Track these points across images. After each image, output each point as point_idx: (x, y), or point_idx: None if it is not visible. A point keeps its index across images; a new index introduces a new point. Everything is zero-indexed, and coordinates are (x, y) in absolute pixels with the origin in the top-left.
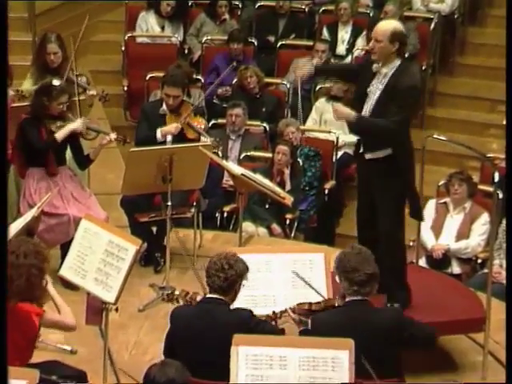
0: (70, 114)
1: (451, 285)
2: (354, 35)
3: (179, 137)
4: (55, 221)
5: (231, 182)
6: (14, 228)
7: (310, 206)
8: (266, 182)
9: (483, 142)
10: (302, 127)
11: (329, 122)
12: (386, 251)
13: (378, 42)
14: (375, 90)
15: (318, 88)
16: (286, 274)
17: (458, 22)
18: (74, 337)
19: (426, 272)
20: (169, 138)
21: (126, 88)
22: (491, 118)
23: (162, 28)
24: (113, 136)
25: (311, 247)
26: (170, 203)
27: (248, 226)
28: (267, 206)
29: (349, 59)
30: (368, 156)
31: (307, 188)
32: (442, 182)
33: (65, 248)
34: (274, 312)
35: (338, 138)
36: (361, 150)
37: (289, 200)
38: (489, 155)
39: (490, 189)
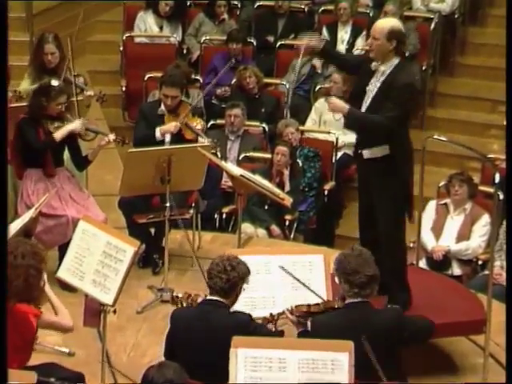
0: (69, 115)
1: (452, 286)
2: (354, 35)
3: (177, 137)
4: (53, 222)
5: (230, 183)
6: (12, 229)
7: (309, 207)
8: (265, 182)
9: (484, 143)
10: (301, 128)
11: (328, 123)
12: (386, 251)
13: (375, 40)
14: (373, 88)
15: (317, 88)
16: (285, 276)
17: (459, 21)
18: (71, 339)
19: (426, 273)
20: (167, 138)
21: (124, 88)
22: (492, 119)
23: (161, 28)
24: (112, 137)
25: (311, 248)
26: (168, 204)
27: (247, 228)
28: (266, 207)
29: None
30: (366, 155)
31: (307, 189)
32: (442, 183)
33: (63, 249)
34: (271, 314)
35: (337, 139)
36: (359, 150)
37: (288, 201)
38: (489, 156)
39: (491, 190)
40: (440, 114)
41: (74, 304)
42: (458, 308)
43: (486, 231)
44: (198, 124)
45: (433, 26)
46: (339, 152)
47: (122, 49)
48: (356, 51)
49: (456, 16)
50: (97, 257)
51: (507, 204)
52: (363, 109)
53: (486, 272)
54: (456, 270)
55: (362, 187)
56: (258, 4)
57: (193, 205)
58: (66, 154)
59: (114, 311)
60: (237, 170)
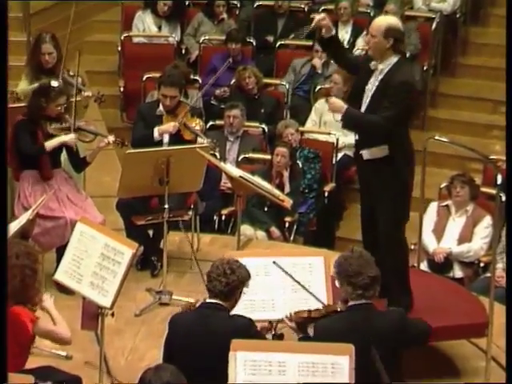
0: (67, 116)
1: (453, 289)
2: (354, 35)
3: (176, 138)
4: (51, 224)
5: (229, 185)
6: (9, 231)
7: (309, 208)
8: (265, 184)
9: (486, 144)
10: (301, 129)
11: (328, 124)
12: (387, 252)
13: (372, 37)
14: (372, 87)
15: (317, 89)
16: (285, 278)
17: (460, 21)
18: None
19: (427, 276)
20: (165, 139)
21: (122, 89)
22: (494, 119)
23: (159, 28)
24: (111, 139)
25: (311, 251)
26: (166, 206)
27: (246, 229)
28: (266, 209)
29: None
30: (366, 156)
31: (307, 190)
32: (443, 185)
33: (60, 251)
34: (270, 322)
35: (337, 140)
36: (359, 151)
37: (288, 203)
38: (491, 157)
39: (493, 191)
40: (441, 115)
41: (72, 307)
42: (459, 311)
43: (488, 233)
44: (196, 125)
45: (434, 25)
46: (339, 153)
47: (119, 49)
48: (357, 51)
49: (457, 16)
50: (95, 259)
51: (507, 205)
52: (363, 108)
53: (488, 274)
54: (457, 272)
55: (363, 189)
56: (257, 3)
57: (191, 206)
58: (64, 155)
59: (112, 314)
60: (236, 172)
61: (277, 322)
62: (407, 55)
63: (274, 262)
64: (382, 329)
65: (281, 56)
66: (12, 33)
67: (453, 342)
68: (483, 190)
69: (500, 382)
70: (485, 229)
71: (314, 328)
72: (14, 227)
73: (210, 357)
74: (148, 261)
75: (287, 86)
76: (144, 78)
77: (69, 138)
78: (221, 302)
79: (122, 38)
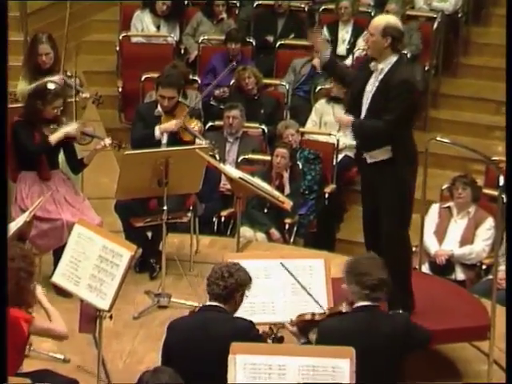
0: (64, 118)
1: (455, 291)
2: (355, 35)
3: (174, 139)
4: (48, 226)
5: (229, 186)
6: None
7: (309, 210)
8: (265, 185)
9: (488, 145)
10: (301, 129)
11: (329, 124)
12: (389, 253)
13: (371, 36)
14: (372, 88)
15: (317, 89)
16: (285, 281)
17: (462, 21)
18: (66, 345)
19: (429, 278)
20: (164, 140)
21: (120, 89)
22: (496, 120)
23: (158, 27)
24: (108, 141)
25: (311, 253)
26: (165, 208)
27: (246, 231)
28: (266, 211)
29: (349, 59)
30: (370, 160)
31: (307, 192)
32: (445, 186)
33: (58, 254)
34: (270, 327)
35: (338, 141)
36: (363, 156)
37: (288, 204)
38: (494, 158)
39: (495, 193)
40: (443, 116)
41: (70, 310)
42: (461, 313)
43: (490, 235)
44: (195, 126)
45: (435, 25)
46: (340, 154)
47: (118, 49)
48: (357, 51)
49: (459, 15)
50: (92, 261)
51: (507, 206)
52: (363, 109)
53: (490, 277)
54: (459, 274)
55: (365, 190)
56: (257, 3)
57: (191, 208)
58: (61, 157)
59: (110, 317)
60: (235, 173)
61: (278, 328)
62: (408, 55)
63: (282, 264)
64: (386, 332)
65: (281, 56)
66: (9, 32)
67: (455, 345)
68: (485, 191)
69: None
70: (487, 231)
71: (318, 328)
72: (11, 229)
73: (209, 360)
74: (147, 263)
75: (287, 87)
76: (142, 79)
77: (71, 128)
78: (220, 305)
79: (121, 37)
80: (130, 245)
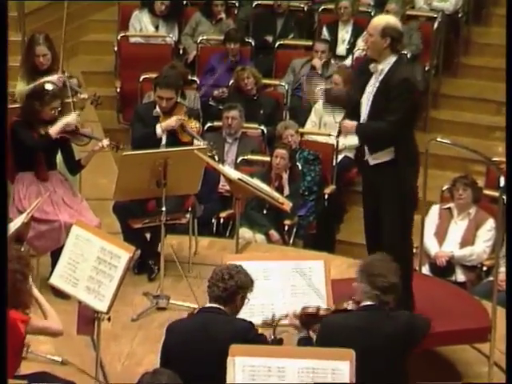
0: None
1: (455, 293)
2: (355, 35)
3: (173, 140)
4: (46, 227)
5: (228, 187)
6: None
7: (309, 211)
8: (264, 186)
9: (489, 146)
10: (300, 130)
11: (328, 125)
12: (390, 254)
13: (370, 36)
14: (372, 89)
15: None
16: (284, 282)
17: (463, 21)
18: (64, 347)
19: (429, 280)
20: (163, 141)
21: (118, 90)
22: (497, 121)
23: (156, 27)
24: (105, 142)
25: (311, 254)
26: (164, 209)
27: (245, 233)
28: (265, 212)
29: (349, 60)
30: (373, 162)
31: (306, 193)
32: (445, 187)
33: (55, 255)
34: (272, 317)
35: (338, 142)
36: (365, 158)
37: (287, 205)
38: (494, 159)
39: (496, 194)
40: (443, 116)
41: (68, 311)
42: (461, 315)
43: (491, 236)
44: (193, 127)
45: (436, 25)
46: (340, 155)
47: (116, 49)
48: (357, 51)
49: (460, 15)
50: (91, 263)
51: (507, 207)
52: (365, 111)
53: (491, 278)
54: (460, 276)
55: (366, 191)
56: (256, 3)
57: (189, 209)
58: (59, 158)
59: (109, 319)
60: (234, 174)
61: (280, 318)
62: (409, 55)
63: (297, 271)
64: (388, 332)
65: (280, 56)
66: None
67: (455, 347)
68: (486, 192)
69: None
70: (488, 232)
71: (321, 322)
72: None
73: (208, 362)
74: (145, 264)
75: (286, 87)
76: (141, 79)
77: (70, 118)
78: (220, 307)
79: (119, 37)
80: (129, 246)
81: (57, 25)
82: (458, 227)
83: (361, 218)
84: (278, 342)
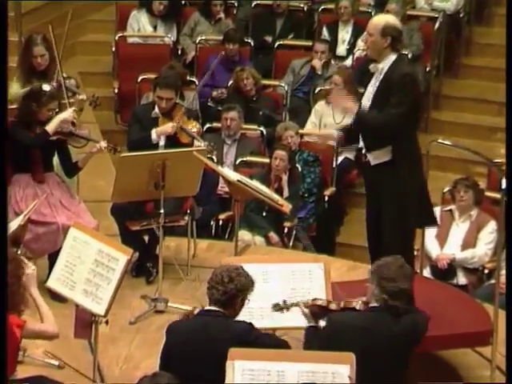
0: None
1: (457, 296)
2: (355, 35)
3: (172, 142)
4: (43, 229)
5: (227, 189)
6: None
7: (309, 213)
8: (263, 188)
9: (490, 147)
10: (300, 131)
11: (329, 126)
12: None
13: (370, 36)
14: (373, 88)
15: (317, 90)
16: (283, 285)
17: (464, 21)
18: (61, 351)
19: (430, 283)
20: (161, 142)
21: (116, 90)
22: (498, 122)
23: (155, 28)
24: (103, 144)
25: (310, 257)
26: (162, 211)
27: (244, 235)
28: (264, 214)
29: (349, 60)
30: (374, 162)
31: (306, 195)
32: (447, 189)
33: (53, 258)
34: (284, 302)
35: (338, 143)
36: (366, 159)
37: (287, 207)
38: (496, 160)
39: (498, 196)
40: (445, 117)
41: (65, 315)
42: (463, 319)
43: (493, 239)
44: (193, 127)
45: (437, 25)
46: (340, 156)
47: (114, 49)
48: (357, 52)
49: (461, 15)
50: (88, 265)
51: (507, 209)
52: (364, 108)
53: (493, 281)
54: (461, 279)
55: (368, 190)
56: (255, 3)
57: (188, 211)
58: (56, 159)
59: (106, 322)
60: (234, 175)
61: (292, 304)
62: (409, 56)
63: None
64: (392, 334)
65: (279, 57)
66: None
67: (456, 351)
68: (487, 194)
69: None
70: (489, 234)
71: (327, 318)
72: None
73: (208, 364)
74: (143, 267)
75: (286, 88)
76: (139, 80)
77: (67, 114)
78: (219, 309)
79: (117, 38)
80: (127, 249)
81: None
82: (459, 229)
83: (361, 221)
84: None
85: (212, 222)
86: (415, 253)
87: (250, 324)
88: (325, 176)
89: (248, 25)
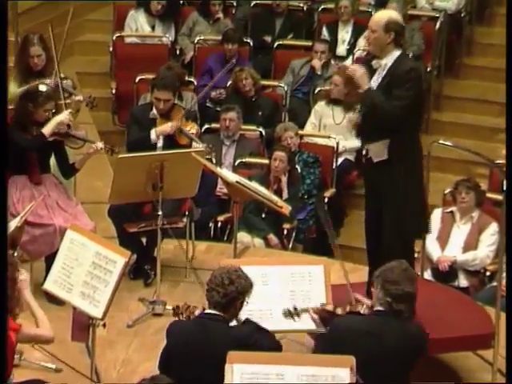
0: None
1: (458, 299)
2: (355, 35)
3: (170, 143)
4: (40, 231)
5: (225, 190)
6: None
7: (308, 215)
8: (263, 189)
9: (492, 148)
10: (300, 132)
11: (328, 127)
12: (391, 257)
13: (372, 32)
14: (375, 84)
15: (317, 91)
16: (283, 288)
17: (465, 20)
18: (58, 354)
19: (431, 285)
20: (159, 143)
21: (114, 91)
22: (500, 123)
23: (153, 27)
24: (100, 145)
25: (310, 259)
26: (160, 212)
27: (243, 237)
28: (263, 216)
29: (350, 60)
30: (376, 159)
31: (306, 196)
32: (448, 190)
33: (49, 260)
34: (295, 308)
35: (338, 144)
36: (368, 156)
37: (286, 209)
38: (498, 162)
39: (499, 197)
40: (446, 118)
41: (62, 317)
42: (464, 321)
43: (495, 240)
44: (191, 128)
45: (438, 25)
46: (340, 157)
47: (111, 49)
48: (357, 52)
49: (462, 15)
50: (85, 268)
51: (507, 211)
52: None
53: (495, 283)
54: (463, 281)
55: (369, 192)
56: (254, 2)
57: (186, 213)
58: (53, 160)
59: (104, 325)
60: (232, 177)
61: (302, 310)
62: (410, 56)
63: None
64: (397, 340)
65: (279, 57)
66: None
67: (457, 354)
68: (489, 195)
69: None
70: (491, 236)
71: (330, 323)
72: None
73: (208, 367)
74: (141, 269)
75: (285, 88)
76: (137, 80)
77: (63, 116)
78: (219, 313)
79: (114, 38)
80: (124, 251)
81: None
82: (460, 231)
83: (361, 222)
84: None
85: (211, 224)
86: (416, 255)
87: (250, 329)
88: (325, 177)
89: (247, 24)
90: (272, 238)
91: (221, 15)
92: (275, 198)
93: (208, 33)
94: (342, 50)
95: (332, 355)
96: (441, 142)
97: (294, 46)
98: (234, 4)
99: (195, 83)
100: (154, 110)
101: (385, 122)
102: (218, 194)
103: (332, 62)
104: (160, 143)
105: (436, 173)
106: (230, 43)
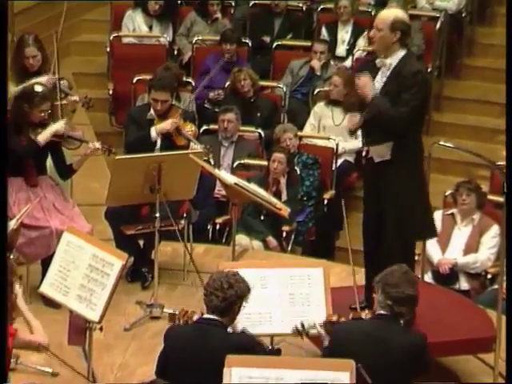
0: (52, 122)
1: (459, 302)
2: (355, 35)
3: (168, 144)
4: (36, 233)
5: (224, 192)
6: None
7: (308, 217)
8: (261, 191)
9: (493, 149)
10: (299, 133)
11: (328, 128)
12: (391, 259)
13: (378, 31)
14: (379, 85)
15: (316, 91)
16: (282, 291)
17: (466, 21)
18: (55, 358)
19: (431, 288)
20: (157, 145)
21: (111, 91)
22: (501, 124)
23: (150, 27)
24: (97, 145)
25: (309, 261)
26: (158, 215)
27: (242, 239)
28: (262, 218)
29: (349, 61)
30: (377, 159)
31: (305, 198)
32: (448, 192)
33: (46, 263)
34: (302, 325)
35: (337, 145)
36: (369, 156)
37: (285, 211)
38: (499, 163)
39: (501, 199)
40: (446, 119)
41: (58, 321)
42: (465, 325)
43: (496, 243)
44: (189, 130)
45: (438, 25)
46: (339, 159)
47: (108, 50)
48: (357, 52)
49: (463, 15)
50: (82, 270)
51: (507, 213)
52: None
53: (496, 286)
54: (463, 284)
55: (368, 194)
56: (253, 2)
57: (184, 215)
58: (49, 162)
59: (101, 328)
60: (231, 178)
61: (310, 326)
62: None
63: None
64: (400, 344)
65: (278, 57)
66: None
67: (458, 358)
68: (490, 197)
69: None
70: (492, 238)
71: (333, 328)
72: None
73: (206, 373)
74: (138, 272)
75: (284, 89)
76: (134, 80)
77: (59, 125)
78: (218, 318)
79: (111, 38)
80: (121, 253)
81: (46, 25)
82: (461, 233)
83: (361, 224)
84: (276, 352)
85: (209, 226)
86: (416, 257)
87: (249, 336)
88: (324, 179)
89: (245, 25)
90: (271, 240)
91: (219, 15)
92: (274, 199)
93: (206, 33)
94: (341, 50)
95: (332, 359)
96: (441, 143)
97: (293, 47)
98: (233, 4)
99: (193, 84)
100: (152, 111)
101: (391, 128)
102: (217, 195)
103: (331, 62)
104: (158, 145)
105: (437, 174)
106: (228, 43)
